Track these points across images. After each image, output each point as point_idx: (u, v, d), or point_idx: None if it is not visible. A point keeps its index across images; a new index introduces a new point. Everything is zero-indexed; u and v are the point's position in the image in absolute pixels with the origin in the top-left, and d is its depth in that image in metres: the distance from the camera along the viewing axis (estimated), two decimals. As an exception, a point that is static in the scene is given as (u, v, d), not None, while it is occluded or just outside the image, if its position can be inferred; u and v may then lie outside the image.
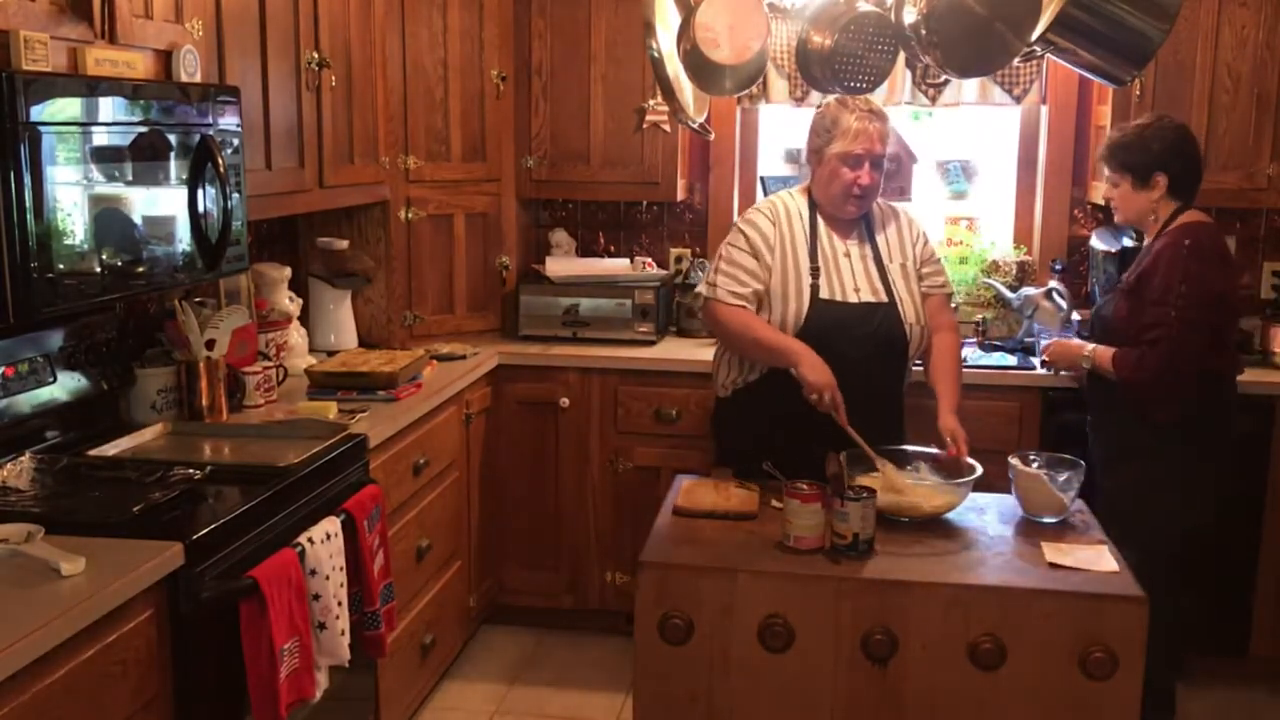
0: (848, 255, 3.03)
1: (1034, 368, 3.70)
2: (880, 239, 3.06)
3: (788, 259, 2.99)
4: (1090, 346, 3.18)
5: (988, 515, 2.69)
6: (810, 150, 3.06)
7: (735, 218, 4.33)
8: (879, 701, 2.34)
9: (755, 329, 2.95)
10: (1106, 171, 3.20)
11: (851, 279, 3.00)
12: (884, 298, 2.99)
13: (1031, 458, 2.73)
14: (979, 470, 2.71)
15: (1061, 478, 2.65)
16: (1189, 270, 2.99)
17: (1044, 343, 3.53)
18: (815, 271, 2.98)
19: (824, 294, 2.96)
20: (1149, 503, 3.07)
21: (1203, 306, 3.01)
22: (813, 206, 3.06)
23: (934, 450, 2.84)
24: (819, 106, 3.11)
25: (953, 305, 3.21)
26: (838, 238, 3.04)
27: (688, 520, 2.66)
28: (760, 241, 3.01)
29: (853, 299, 2.98)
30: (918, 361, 3.11)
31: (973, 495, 2.72)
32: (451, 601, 3.61)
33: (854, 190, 2.96)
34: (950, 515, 2.66)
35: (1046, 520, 2.65)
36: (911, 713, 2.34)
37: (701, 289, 3.07)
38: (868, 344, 2.94)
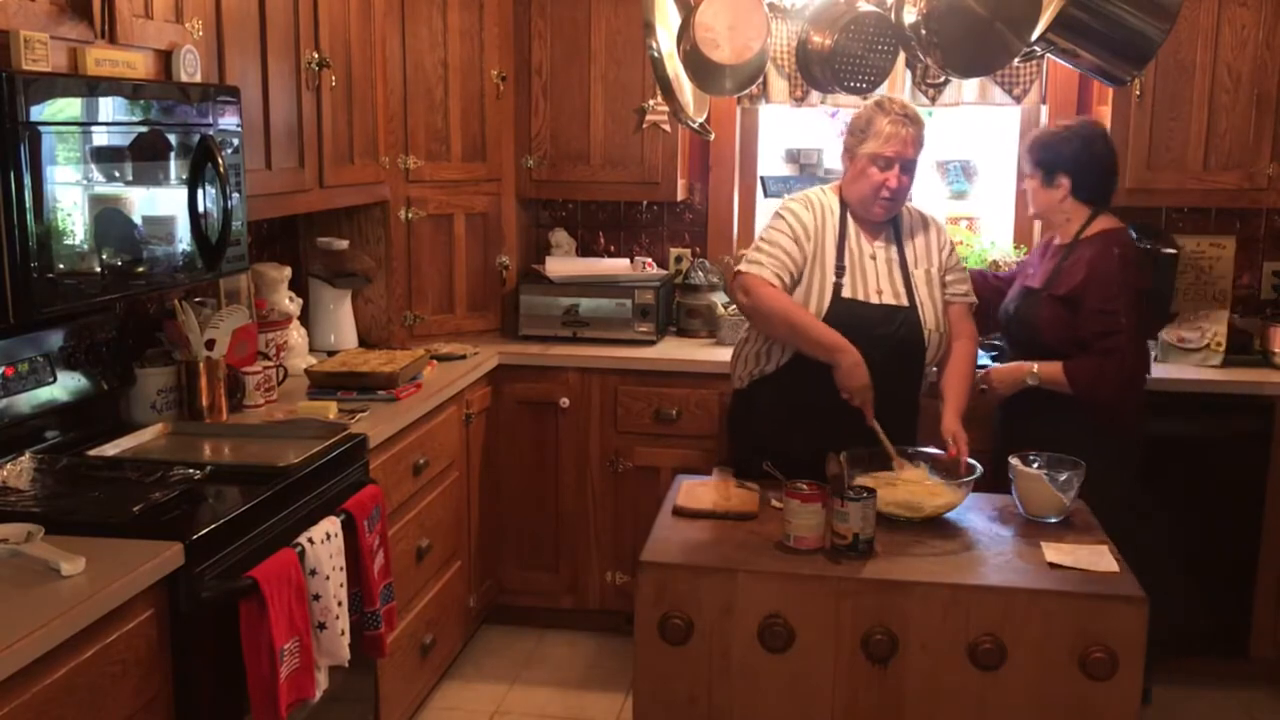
0: (874, 257, 3.03)
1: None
2: (908, 244, 3.06)
3: (817, 253, 3.00)
4: (1034, 365, 3.08)
5: (988, 515, 2.70)
6: (844, 149, 3.07)
7: (735, 218, 4.35)
8: (879, 701, 2.34)
9: (793, 310, 2.93)
10: (1020, 167, 3.29)
11: (875, 280, 3.00)
12: (905, 302, 2.99)
13: (1031, 458, 2.73)
14: (979, 470, 2.71)
15: (1061, 478, 2.65)
16: (1126, 278, 3.04)
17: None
18: (840, 270, 2.98)
19: (846, 293, 2.97)
20: (1127, 517, 2.97)
21: (1140, 311, 3.08)
22: (844, 205, 3.06)
23: (934, 450, 2.85)
24: (844, 108, 3.11)
25: (974, 314, 3.20)
26: (866, 239, 3.04)
27: (688, 520, 2.66)
28: (800, 230, 3.01)
29: (874, 300, 2.98)
30: (933, 367, 3.11)
31: (973, 495, 2.73)
32: (451, 601, 3.61)
33: (882, 192, 2.96)
34: (950, 515, 2.66)
35: (1048, 520, 2.65)
36: (911, 713, 2.34)
37: (741, 266, 3.03)
38: (886, 346, 2.94)
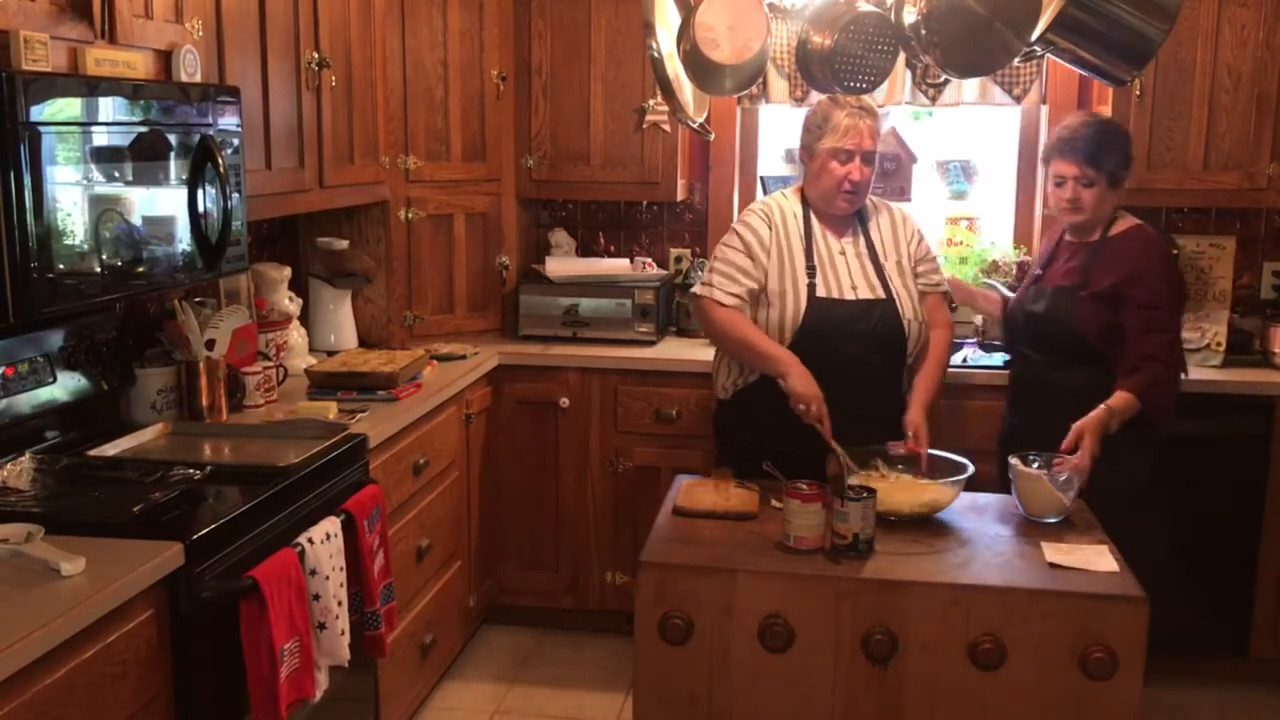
0: (843, 253, 3.03)
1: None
2: (875, 236, 3.07)
3: (784, 259, 3.00)
4: (1104, 408, 2.88)
5: (987, 515, 2.69)
6: (802, 147, 3.07)
7: (735, 218, 4.35)
8: (879, 701, 2.34)
9: (746, 332, 2.96)
10: (1078, 169, 3.05)
11: (848, 277, 3.00)
12: (881, 294, 3.00)
13: (1031, 458, 2.73)
14: (970, 469, 2.70)
15: (1061, 478, 2.65)
16: (1168, 271, 3.05)
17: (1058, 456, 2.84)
18: (811, 270, 2.99)
19: (821, 292, 2.97)
20: (1139, 503, 3.01)
21: (1181, 307, 3.12)
22: (806, 206, 3.07)
23: (895, 444, 2.84)
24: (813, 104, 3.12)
25: (949, 303, 3.20)
26: (832, 236, 3.04)
27: (688, 520, 2.66)
28: (755, 241, 3.01)
29: (850, 296, 2.98)
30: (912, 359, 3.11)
31: (972, 495, 2.73)
32: (451, 601, 3.61)
33: (845, 185, 2.97)
34: (950, 515, 2.66)
35: (1048, 520, 2.65)
36: (911, 713, 2.34)
37: (696, 288, 3.08)
38: (866, 341, 2.95)
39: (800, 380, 2.82)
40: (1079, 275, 3.09)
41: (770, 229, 3.03)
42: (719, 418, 3.25)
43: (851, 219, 3.07)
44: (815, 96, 4.01)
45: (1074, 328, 3.06)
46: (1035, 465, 2.70)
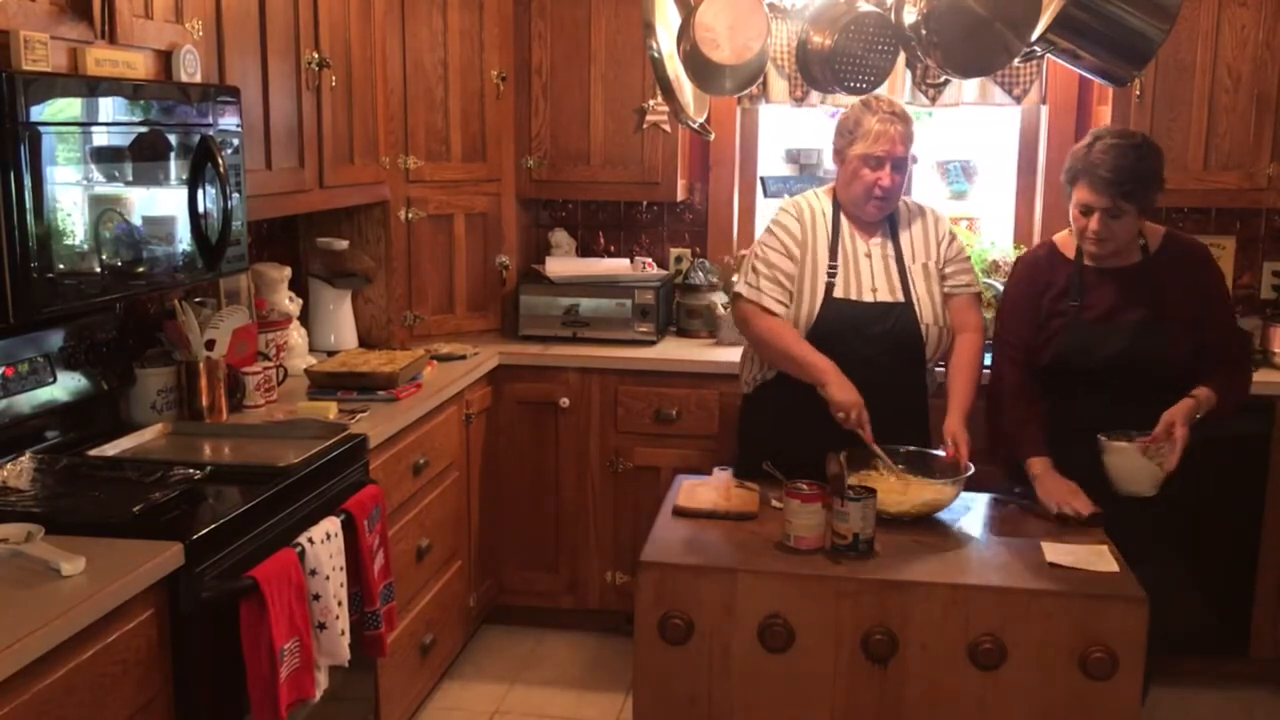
0: (869, 255, 3.03)
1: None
2: (904, 239, 3.06)
3: (809, 257, 3.00)
4: (1191, 397, 2.76)
5: (988, 515, 2.69)
6: (834, 151, 3.06)
7: (735, 218, 4.35)
8: (879, 701, 2.34)
9: (786, 341, 2.95)
10: (1110, 202, 2.73)
11: (870, 279, 3.00)
12: (901, 298, 2.99)
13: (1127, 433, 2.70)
14: (971, 469, 2.70)
15: (1152, 448, 2.65)
16: (1221, 274, 2.97)
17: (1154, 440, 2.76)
18: (833, 270, 2.99)
19: (838, 293, 2.97)
20: (1204, 515, 2.99)
21: None
22: (836, 207, 3.06)
23: (935, 451, 2.84)
24: (844, 108, 3.10)
25: (981, 304, 3.13)
26: (860, 237, 3.04)
27: (688, 520, 2.66)
28: (792, 242, 3.02)
29: (868, 298, 2.98)
30: (941, 363, 3.10)
31: (972, 495, 2.73)
32: (451, 601, 3.61)
33: (875, 191, 2.96)
34: (951, 515, 2.66)
35: (1143, 496, 2.66)
36: (911, 713, 2.34)
37: (741, 289, 3.05)
38: (882, 343, 2.94)
39: (839, 388, 2.82)
40: (1147, 306, 2.84)
41: (800, 226, 3.03)
42: (743, 413, 3.23)
43: (881, 221, 3.06)
44: (815, 96, 4.03)
45: (1166, 360, 2.83)
46: (1136, 440, 2.69)
